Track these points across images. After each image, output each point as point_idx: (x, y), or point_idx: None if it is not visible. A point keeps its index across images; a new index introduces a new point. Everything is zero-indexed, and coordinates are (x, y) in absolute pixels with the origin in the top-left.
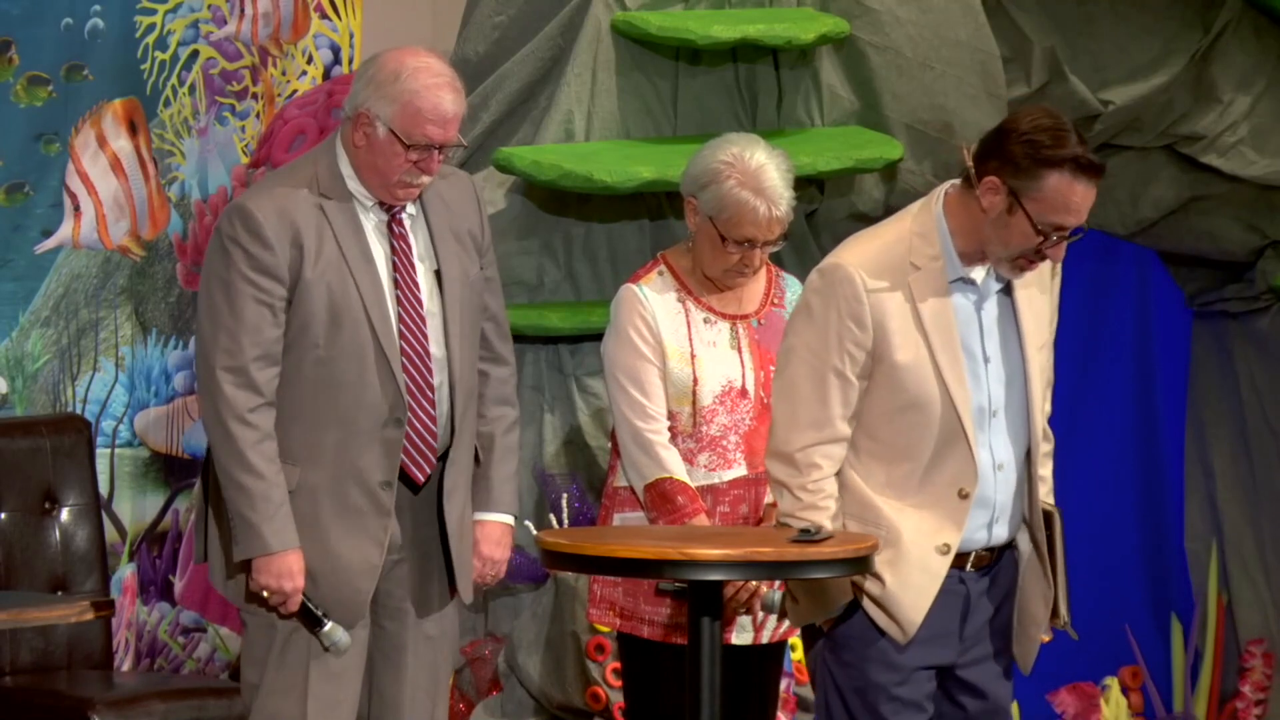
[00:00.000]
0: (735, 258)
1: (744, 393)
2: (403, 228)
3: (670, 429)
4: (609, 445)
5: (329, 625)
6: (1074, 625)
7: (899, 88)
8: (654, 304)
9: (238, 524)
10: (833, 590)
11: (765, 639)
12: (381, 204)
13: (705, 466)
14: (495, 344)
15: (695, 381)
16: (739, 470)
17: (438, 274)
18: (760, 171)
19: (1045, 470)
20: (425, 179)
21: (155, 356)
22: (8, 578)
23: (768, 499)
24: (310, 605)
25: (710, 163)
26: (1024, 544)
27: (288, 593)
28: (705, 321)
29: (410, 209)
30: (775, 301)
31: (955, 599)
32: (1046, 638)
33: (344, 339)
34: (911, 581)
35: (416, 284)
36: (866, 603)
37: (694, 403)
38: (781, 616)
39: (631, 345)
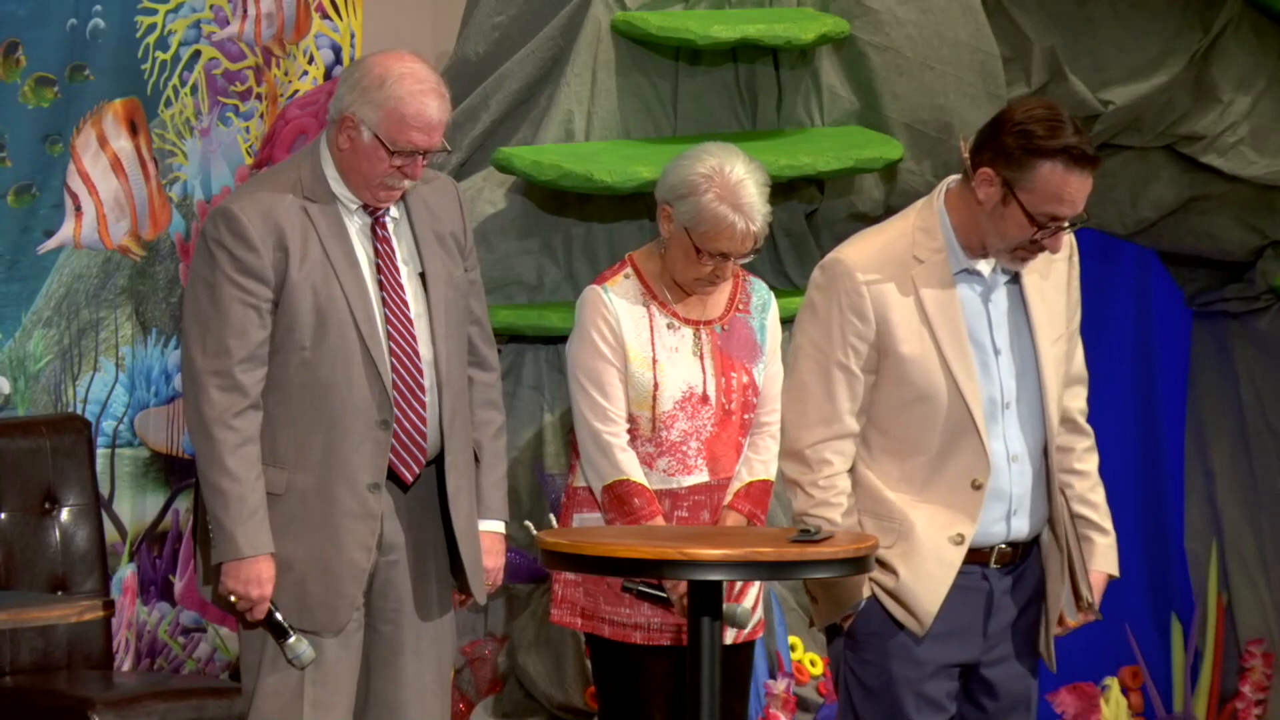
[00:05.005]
0: (708, 269)
1: (705, 399)
2: (386, 230)
3: (630, 433)
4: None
5: (294, 637)
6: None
7: (899, 88)
8: (618, 307)
9: (214, 527)
10: (845, 587)
11: (729, 640)
12: (365, 207)
13: (664, 471)
14: (480, 348)
15: (656, 386)
16: (700, 476)
17: (422, 276)
18: (740, 187)
19: (1087, 465)
20: (408, 183)
21: (155, 356)
22: (8, 578)
23: (726, 500)
24: (276, 615)
25: (689, 174)
26: (1047, 542)
27: (254, 600)
28: (669, 327)
29: (394, 212)
30: (740, 307)
31: (977, 596)
32: (1074, 623)
33: (330, 341)
34: (925, 572)
35: (401, 285)
36: (882, 596)
37: (654, 407)
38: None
39: (594, 347)
